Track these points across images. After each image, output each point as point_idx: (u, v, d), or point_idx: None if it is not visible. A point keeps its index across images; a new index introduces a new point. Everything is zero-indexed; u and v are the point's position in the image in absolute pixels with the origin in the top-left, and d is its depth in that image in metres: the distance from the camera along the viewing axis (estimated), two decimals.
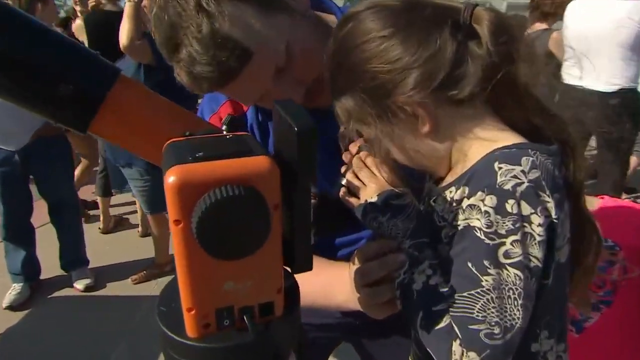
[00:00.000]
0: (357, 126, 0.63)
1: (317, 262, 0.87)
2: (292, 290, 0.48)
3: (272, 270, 0.41)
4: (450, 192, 0.58)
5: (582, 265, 0.62)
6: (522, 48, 0.56)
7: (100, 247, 2.87)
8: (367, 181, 0.63)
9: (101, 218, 3.15)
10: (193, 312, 0.39)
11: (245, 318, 0.40)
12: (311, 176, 0.40)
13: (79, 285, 2.50)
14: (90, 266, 2.60)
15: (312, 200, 0.63)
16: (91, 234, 2.88)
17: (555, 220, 0.52)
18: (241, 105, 0.86)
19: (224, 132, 0.49)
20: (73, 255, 2.55)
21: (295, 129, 0.38)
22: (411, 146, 0.60)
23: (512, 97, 0.57)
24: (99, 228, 3.16)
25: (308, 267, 0.46)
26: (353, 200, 0.63)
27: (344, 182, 0.65)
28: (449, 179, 0.61)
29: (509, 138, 0.57)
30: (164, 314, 0.43)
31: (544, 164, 0.53)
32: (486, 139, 0.57)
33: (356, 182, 0.63)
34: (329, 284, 0.74)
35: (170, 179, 0.35)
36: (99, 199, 3.11)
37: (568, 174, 0.58)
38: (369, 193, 0.61)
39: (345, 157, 0.71)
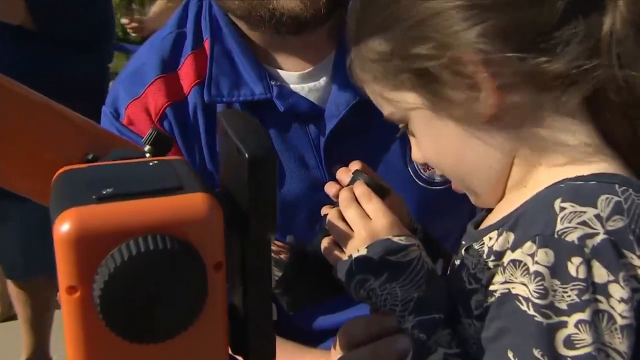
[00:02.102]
0: (378, 89, 0.62)
1: (292, 349, 0.90)
2: None
3: (212, 358, 0.42)
4: (490, 238, 0.58)
5: None
6: None
7: None
8: (355, 225, 0.63)
9: None
10: None
11: None
12: (270, 223, 0.43)
13: None
14: None
15: (283, 256, 0.66)
16: None
17: None
18: (180, 87, 0.89)
19: (147, 156, 0.52)
20: None
21: (246, 155, 0.40)
22: (454, 138, 0.59)
23: (620, 100, 0.56)
24: None
25: (269, 357, 0.48)
26: (337, 253, 0.63)
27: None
28: (495, 217, 0.61)
29: (596, 162, 0.56)
30: None
31: (638, 209, 0.52)
32: (563, 158, 0.56)
33: (341, 226, 0.64)
34: None
35: (64, 227, 0.36)
36: None
37: None
38: (357, 243, 0.61)
39: (329, 188, 0.72)
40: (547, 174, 0.58)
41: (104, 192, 0.39)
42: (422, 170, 0.88)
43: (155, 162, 0.45)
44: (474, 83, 0.56)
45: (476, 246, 0.61)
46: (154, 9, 3.53)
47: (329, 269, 0.65)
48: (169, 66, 0.91)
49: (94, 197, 0.39)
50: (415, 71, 0.58)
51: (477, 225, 0.67)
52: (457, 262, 0.63)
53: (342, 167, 0.82)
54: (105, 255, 0.37)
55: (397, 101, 0.62)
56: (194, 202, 0.39)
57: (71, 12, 2.12)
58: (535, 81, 0.56)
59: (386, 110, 0.65)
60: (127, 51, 3.66)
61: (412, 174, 0.88)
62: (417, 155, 0.67)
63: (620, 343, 0.50)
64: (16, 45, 2.07)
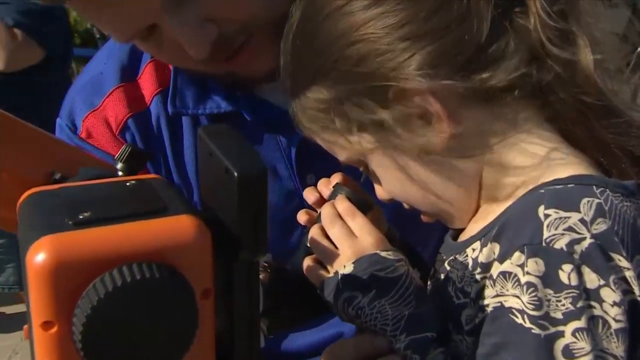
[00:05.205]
0: (328, 137, 0.62)
1: None
2: None
3: None
4: (473, 249, 0.59)
5: None
6: (587, 20, 0.58)
7: None
8: (340, 243, 0.62)
9: None
10: None
11: None
12: (260, 246, 0.41)
13: None
14: None
15: (261, 276, 0.64)
16: None
17: (639, 298, 0.51)
18: (141, 97, 0.86)
19: (120, 174, 0.50)
20: None
21: (235, 173, 0.38)
22: (417, 169, 0.60)
23: (570, 96, 0.58)
24: None
25: None
26: (321, 273, 0.62)
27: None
28: (474, 228, 0.61)
29: (567, 165, 0.57)
30: None
31: (618, 210, 0.53)
32: (532, 164, 0.57)
33: (325, 245, 0.63)
34: None
35: (39, 257, 0.33)
36: None
37: None
38: (343, 260, 0.60)
39: (308, 195, 0.70)
40: (521, 181, 0.58)
41: (81, 217, 0.37)
42: None
43: (133, 181, 0.43)
44: (423, 113, 0.57)
45: (460, 258, 0.61)
46: None
47: (310, 289, 0.63)
48: (128, 75, 0.88)
49: (70, 222, 0.36)
50: (362, 112, 0.59)
51: (454, 237, 0.66)
52: (442, 276, 0.63)
53: (314, 176, 0.80)
54: (85, 287, 0.34)
55: (351, 145, 0.62)
56: (180, 225, 0.37)
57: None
58: (483, 98, 0.57)
59: (342, 156, 0.65)
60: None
61: None
62: (382, 194, 0.67)
63: (616, 347, 0.51)
64: None
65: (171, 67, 0.86)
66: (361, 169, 0.66)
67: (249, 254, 0.41)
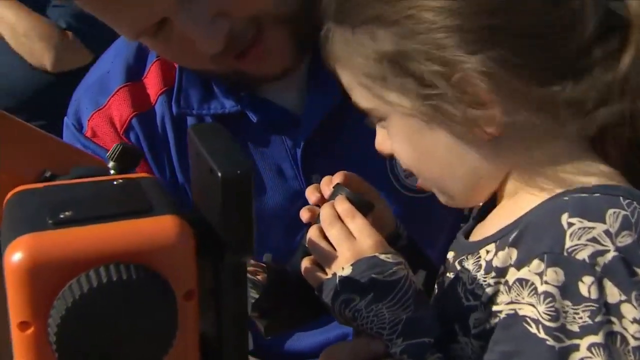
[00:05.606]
0: (362, 82, 0.58)
1: None
2: None
3: None
4: (488, 251, 0.57)
5: None
6: None
7: None
8: (339, 245, 0.61)
9: None
10: None
11: None
12: (246, 247, 0.40)
13: None
14: None
15: (258, 277, 0.63)
16: None
17: None
18: (146, 96, 0.86)
19: (111, 173, 0.49)
20: None
21: (219, 174, 0.37)
22: (447, 149, 0.58)
23: (624, 132, 0.56)
24: None
25: None
26: (319, 274, 0.61)
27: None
28: (489, 228, 0.60)
29: (595, 174, 0.56)
30: None
31: None
32: (560, 171, 0.56)
33: (323, 246, 0.62)
34: None
35: (16, 256, 0.33)
36: None
37: None
38: (341, 262, 0.59)
39: (309, 194, 0.69)
40: (545, 186, 0.57)
41: (62, 216, 0.36)
42: (404, 177, 0.86)
43: (120, 180, 0.42)
44: (480, 104, 0.55)
45: (471, 259, 0.59)
46: None
47: (309, 290, 0.62)
48: (133, 74, 0.88)
49: (50, 221, 0.36)
50: (417, 77, 0.56)
51: (467, 235, 0.65)
52: (451, 274, 0.62)
53: (320, 176, 0.79)
54: (62, 288, 0.34)
55: (388, 102, 0.59)
56: (162, 226, 0.37)
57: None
58: (544, 108, 0.55)
59: (367, 103, 0.61)
60: None
61: (394, 180, 0.85)
62: (382, 146, 0.64)
63: None
64: None
65: (176, 66, 0.85)
66: (374, 119, 0.63)
67: (234, 255, 0.40)
